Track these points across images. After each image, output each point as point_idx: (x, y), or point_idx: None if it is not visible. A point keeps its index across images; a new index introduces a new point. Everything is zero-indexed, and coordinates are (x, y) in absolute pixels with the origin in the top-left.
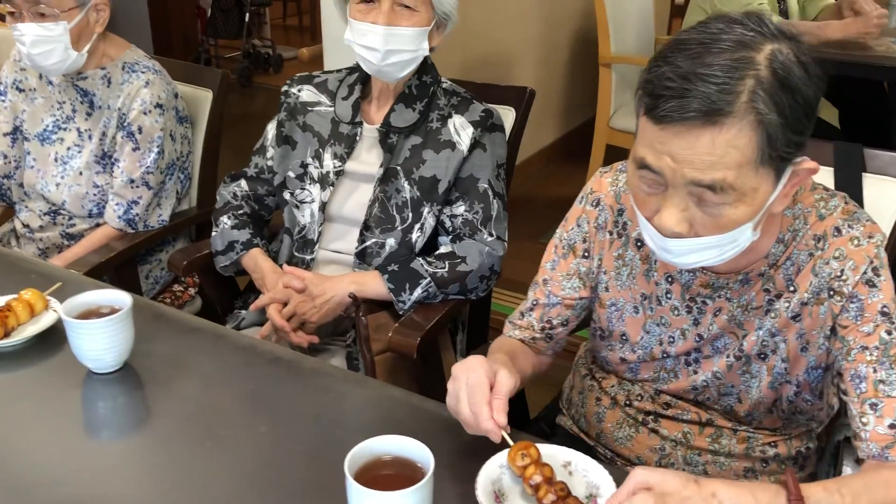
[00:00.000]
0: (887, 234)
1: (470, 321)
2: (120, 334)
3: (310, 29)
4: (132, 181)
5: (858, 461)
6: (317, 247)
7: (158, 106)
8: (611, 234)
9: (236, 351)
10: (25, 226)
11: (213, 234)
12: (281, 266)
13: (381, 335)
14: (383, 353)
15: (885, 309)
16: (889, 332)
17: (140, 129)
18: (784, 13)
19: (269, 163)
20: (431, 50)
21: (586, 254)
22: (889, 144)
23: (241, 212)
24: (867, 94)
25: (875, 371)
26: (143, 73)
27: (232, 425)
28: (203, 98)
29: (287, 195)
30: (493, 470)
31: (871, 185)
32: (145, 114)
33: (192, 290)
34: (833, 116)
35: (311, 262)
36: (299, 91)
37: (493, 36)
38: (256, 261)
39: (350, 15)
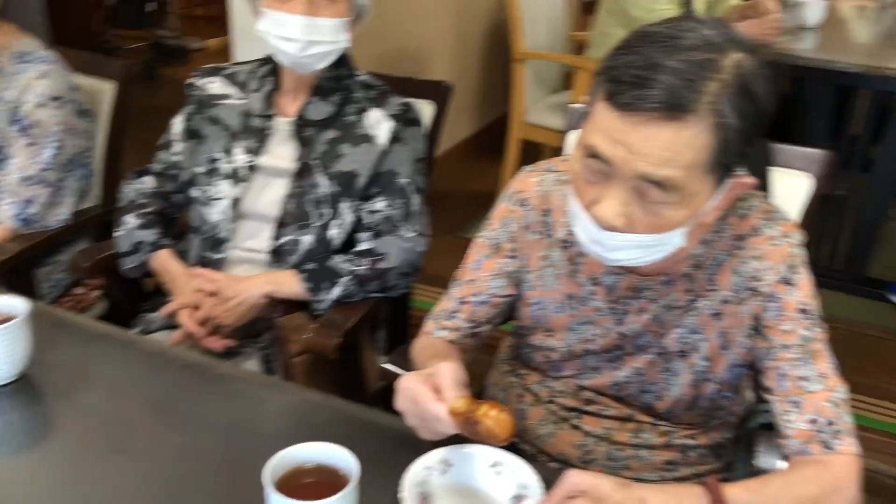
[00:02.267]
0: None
1: (390, 318)
2: (15, 343)
3: (218, 19)
4: (27, 178)
5: (784, 457)
6: (228, 245)
7: (55, 98)
8: (536, 234)
9: (145, 357)
10: None
11: (118, 234)
12: (190, 267)
13: (298, 336)
14: (301, 354)
15: (803, 306)
16: (807, 329)
17: (36, 124)
18: None
19: (176, 158)
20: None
21: (513, 254)
22: (791, 139)
23: (147, 210)
24: None
25: (795, 368)
26: (37, 63)
27: (142, 436)
28: (105, 90)
29: (196, 192)
30: (419, 472)
31: (779, 178)
32: (41, 107)
33: (95, 294)
34: None
35: (222, 261)
36: (207, 83)
37: (407, 29)
38: (165, 262)
39: (265, 4)
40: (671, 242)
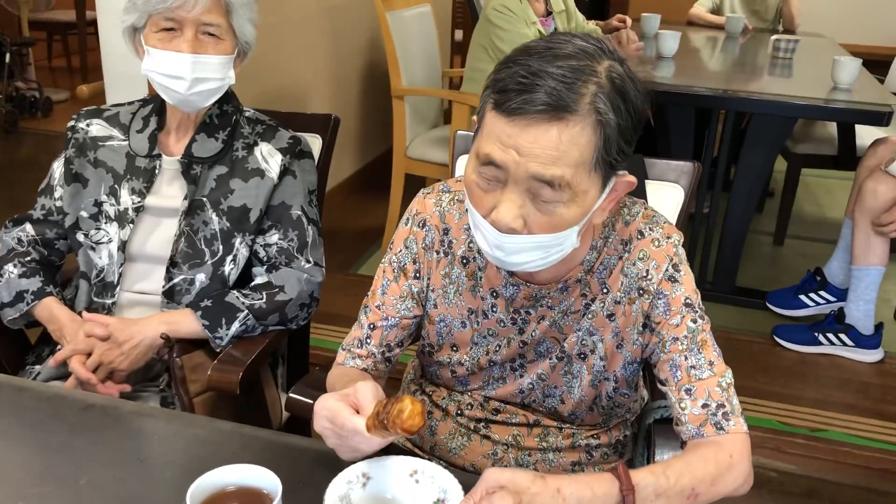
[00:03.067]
0: None
1: (290, 354)
2: None
3: (80, 70)
4: None
5: (682, 444)
6: (118, 289)
7: None
8: (437, 253)
9: (42, 402)
10: None
11: None
12: (80, 314)
13: (198, 375)
14: (202, 394)
15: (688, 300)
16: (694, 321)
17: None
18: None
19: (58, 203)
20: None
21: (417, 274)
22: (657, 156)
23: (28, 258)
24: None
25: (686, 358)
26: None
27: (46, 482)
28: None
29: (81, 236)
30: (340, 487)
31: (653, 189)
32: None
33: None
34: None
35: (112, 306)
36: (88, 126)
37: (286, 69)
38: (51, 310)
39: (149, 44)
40: (567, 242)
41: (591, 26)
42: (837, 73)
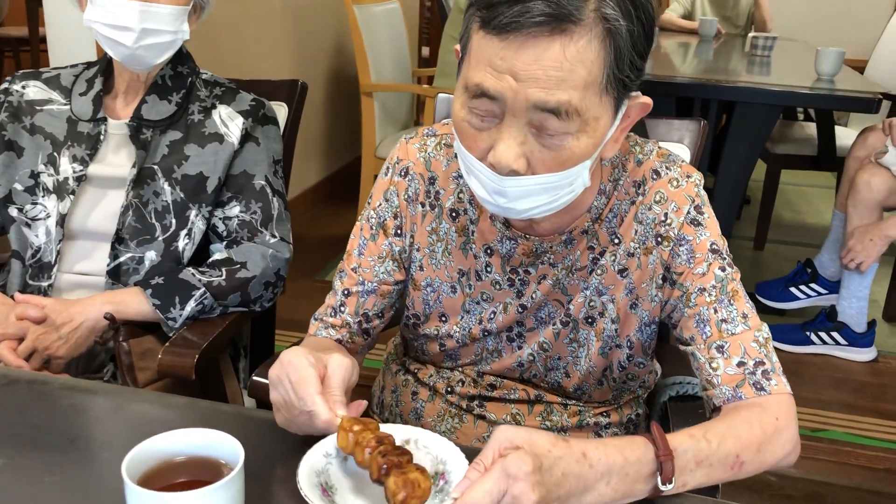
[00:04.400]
0: None
1: (252, 349)
2: None
3: None
4: None
5: (713, 412)
6: (55, 270)
7: None
8: (423, 205)
9: None
10: None
11: None
12: (12, 297)
13: (147, 363)
14: (152, 382)
15: (714, 246)
16: (722, 269)
17: None
18: None
19: None
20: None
21: (398, 231)
22: None
23: None
24: None
25: (716, 311)
26: None
27: None
28: None
29: (14, 212)
30: (317, 461)
31: None
32: None
33: None
34: None
35: (49, 289)
36: (24, 88)
37: (246, 67)
38: None
39: None
40: (578, 181)
41: None
42: (821, 64)
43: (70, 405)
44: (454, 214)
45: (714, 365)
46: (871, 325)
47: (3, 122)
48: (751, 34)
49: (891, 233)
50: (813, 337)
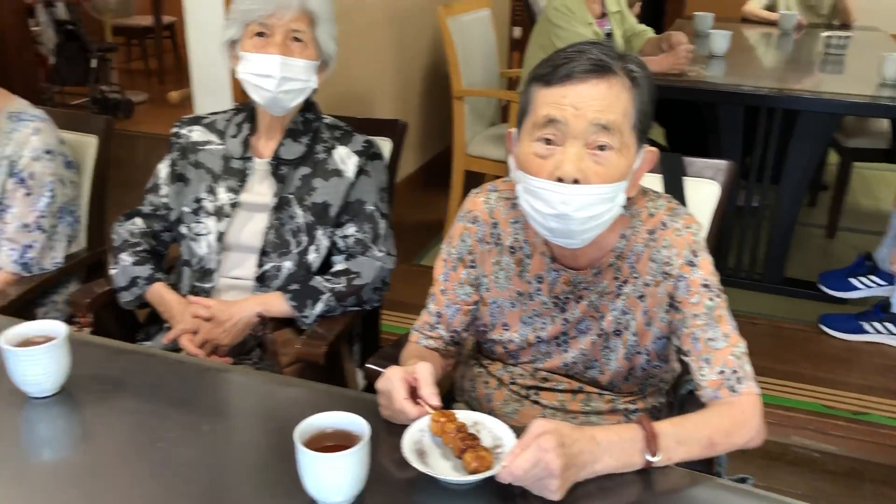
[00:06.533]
0: (706, 223)
1: (363, 334)
2: (57, 360)
3: (157, 73)
4: (26, 226)
5: (702, 405)
6: (216, 275)
7: (48, 152)
8: (488, 244)
9: (168, 366)
10: None
11: (114, 271)
12: (185, 297)
13: (287, 349)
14: (291, 365)
15: (706, 282)
16: (711, 300)
17: (32, 175)
18: None
19: (164, 200)
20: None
21: (472, 264)
22: (707, 155)
23: (139, 248)
24: (686, 113)
25: (704, 332)
26: (30, 121)
27: (175, 428)
28: (87, 144)
29: (184, 229)
30: (415, 433)
31: (691, 186)
32: (36, 160)
33: (87, 330)
34: (660, 135)
35: (211, 290)
36: (189, 132)
37: (352, 73)
38: (161, 294)
39: (243, 49)
40: (618, 197)
41: (643, 27)
42: (885, 70)
43: (245, 387)
44: (512, 250)
45: (702, 373)
46: None
47: (175, 160)
48: (824, 34)
49: None
50: (867, 326)
